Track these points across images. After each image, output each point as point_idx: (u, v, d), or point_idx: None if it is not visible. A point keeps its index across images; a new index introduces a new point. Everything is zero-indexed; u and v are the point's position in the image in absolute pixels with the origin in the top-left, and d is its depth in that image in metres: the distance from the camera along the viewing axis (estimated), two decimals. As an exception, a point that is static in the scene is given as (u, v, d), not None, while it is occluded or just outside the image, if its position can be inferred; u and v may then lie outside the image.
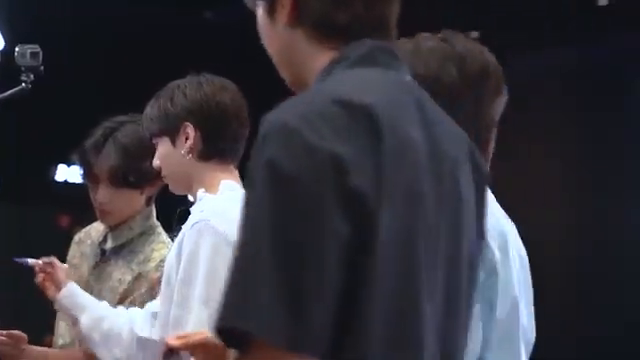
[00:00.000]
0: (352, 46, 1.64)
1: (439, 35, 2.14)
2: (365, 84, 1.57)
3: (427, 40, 2.13)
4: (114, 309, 2.96)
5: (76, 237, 3.45)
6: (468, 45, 2.11)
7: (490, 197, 1.99)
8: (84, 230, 3.44)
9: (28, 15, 7.21)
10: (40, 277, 3.00)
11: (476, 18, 7.99)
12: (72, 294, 2.95)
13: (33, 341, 3.18)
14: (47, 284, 2.99)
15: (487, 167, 2.06)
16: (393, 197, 1.46)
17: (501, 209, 2.14)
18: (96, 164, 3.19)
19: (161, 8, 7.81)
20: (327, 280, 1.41)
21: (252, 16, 1.76)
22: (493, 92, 2.11)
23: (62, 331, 3.31)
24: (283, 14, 1.70)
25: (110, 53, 7.83)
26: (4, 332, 3.11)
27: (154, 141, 2.81)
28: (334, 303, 1.41)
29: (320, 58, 1.66)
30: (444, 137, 1.59)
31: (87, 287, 3.16)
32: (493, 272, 2.01)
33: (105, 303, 2.98)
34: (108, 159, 3.16)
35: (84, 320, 2.91)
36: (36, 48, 2.96)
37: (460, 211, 1.58)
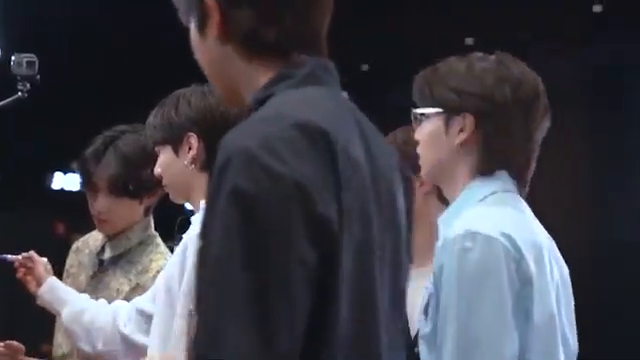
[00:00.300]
0: (294, 64, 1.65)
1: (492, 57, 2.19)
2: (316, 106, 1.58)
3: (481, 60, 2.18)
4: (95, 302, 2.95)
5: (74, 246, 3.44)
6: (522, 69, 2.18)
7: (529, 213, 2.13)
8: (82, 239, 3.42)
9: (25, 24, 7.21)
10: (21, 272, 2.99)
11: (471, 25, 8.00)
12: (53, 288, 2.94)
13: (29, 350, 3.17)
14: (28, 279, 2.99)
15: (527, 187, 2.17)
16: (351, 220, 1.50)
17: (541, 225, 2.19)
18: (96, 173, 3.17)
19: (162, 12, 7.80)
20: (296, 307, 1.44)
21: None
22: (541, 116, 2.18)
23: (60, 341, 3.30)
24: (213, 29, 1.71)
25: (109, 61, 7.83)
26: (1, 343, 3.11)
27: (156, 149, 2.79)
28: (303, 326, 1.45)
29: (254, 75, 1.67)
30: (380, 154, 1.62)
31: None
32: (528, 283, 2.06)
33: (86, 296, 2.96)
34: (108, 168, 3.15)
35: (65, 313, 2.90)
36: (32, 57, 2.95)
37: (398, 227, 1.64)
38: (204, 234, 1.47)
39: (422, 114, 2.20)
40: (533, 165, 2.20)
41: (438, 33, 8.06)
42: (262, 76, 1.66)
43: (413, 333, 2.71)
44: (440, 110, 2.18)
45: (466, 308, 2.02)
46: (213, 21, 1.71)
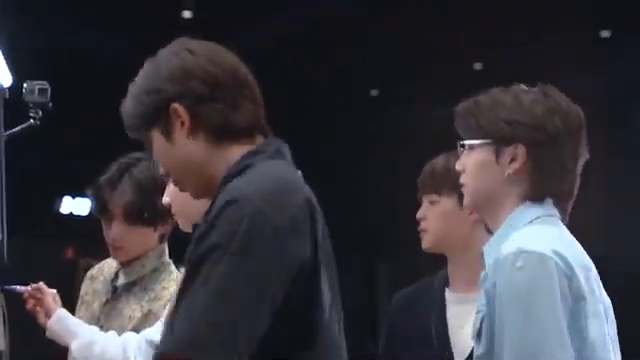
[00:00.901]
0: (263, 143, 1.99)
1: (536, 89, 2.25)
2: (291, 175, 1.96)
3: (526, 92, 2.24)
4: (105, 334, 2.93)
5: (89, 273, 3.42)
6: (566, 100, 2.24)
7: (571, 237, 2.18)
8: (97, 266, 3.41)
9: (35, 50, 7.24)
10: (30, 303, 2.98)
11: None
12: (62, 319, 2.92)
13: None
14: (37, 310, 2.98)
15: (569, 212, 2.23)
16: (324, 263, 1.91)
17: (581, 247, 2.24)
18: (111, 200, 3.16)
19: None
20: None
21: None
22: (584, 145, 2.24)
23: None
24: (182, 130, 1.98)
25: (120, 87, 7.86)
26: (33, 285, 3.07)
27: (165, 179, 2.80)
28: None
29: (223, 155, 1.98)
30: (320, 217, 1.95)
31: (97, 324, 3.13)
32: (581, 299, 2.09)
33: (95, 328, 2.94)
34: (123, 195, 3.13)
35: (75, 346, 2.87)
36: (44, 85, 2.94)
37: (334, 267, 1.98)
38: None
39: (471, 146, 2.23)
40: (575, 194, 2.25)
41: (434, 33, 8.07)
42: (230, 155, 1.98)
43: (464, 353, 2.73)
44: (490, 141, 2.21)
45: (521, 326, 2.05)
46: (182, 124, 1.98)
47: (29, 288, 2.95)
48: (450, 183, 2.80)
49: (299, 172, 2.01)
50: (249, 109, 2.00)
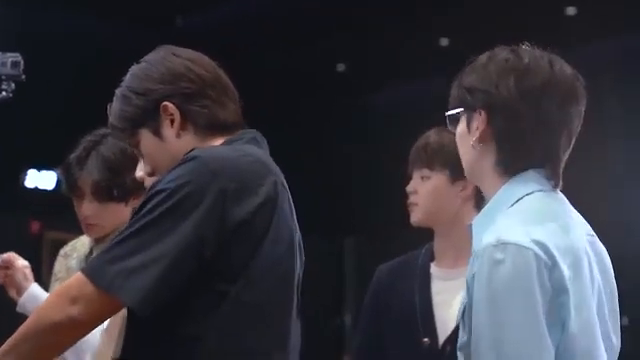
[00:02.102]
0: (241, 132, 2.18)
1: (514, 48, 2.11)
2: (262, 156, 2.16)
3: (499, 54, 2.11)
4: None
5: (62, 251, 3.41)
6: (535, 55, 2.09)
7: (568, 210, 2.10)
8: (70, 244, 3.40)
9: (6, 22, 7.16)
10: (0, 278, 2.95)
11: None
12: (34, 298, 2.91)
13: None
14: (7, 284, 2.95)
15: (560, 177, 2.09)
16: (275, 234, 2.08)
17: (581, 222, 2.14)
18: (80, 178, 3.16)
19: (131, 18, 7.80)
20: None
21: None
22: (561, 107, 2.07)
23: None
24: (172, 128, 2.15)
25: (88, 60, 7.80)
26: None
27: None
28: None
29: (208, 145, 2.16)
30: (285, 198, 2.15)
31: None
32: (563, 291, 2.01)
33: None
34: (91, 174, 3.13)
35: None
36: (17, 57, 2.91)
37: (293, 244, 2.16)
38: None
39: (451, 116, 2.15)
40: (563, 156, 2.11)
41: (417, 33, 8.07)
42: (222, 141, 2.16)
43: (448, 330, 2.72)
44: (461, 109, 2.12)
45: (498, 323, 1.99)
46: (172, 121, 2.14)
47: None
48: (442, 158, 2.79)
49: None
50: (233, 108, 2.19)
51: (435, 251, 2.87)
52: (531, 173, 2.08)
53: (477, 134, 2.08)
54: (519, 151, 2.07)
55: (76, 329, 2.04)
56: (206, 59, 2.22)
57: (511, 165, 2.08)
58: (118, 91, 2.22)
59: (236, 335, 2.02)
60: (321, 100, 9.22)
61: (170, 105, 2.15)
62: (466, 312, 2.08)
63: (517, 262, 1.99)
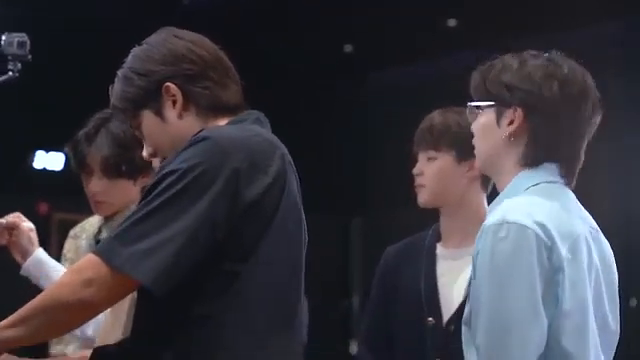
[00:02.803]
0: (245, 113, 2.20)
1: (545, 55, 2.33)
2: (268, 135, 2.18)
3: (533, 58, 2.32)
4: None
5: (72, 232, 3.42)
6: (572, 66, 2.32)
7: (574, 203, 2.28)
8: (79, 225, 3.41)
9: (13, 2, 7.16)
10: (4, 238, 2.92)
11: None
12: (40, 262, 2.90)
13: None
14: (12, 247, 2.93)
15: (574, 179, 2.30)
16: (285, 212, 2.10)
17: (585, 215, 2.31)
18: (89, 155, 3.17)
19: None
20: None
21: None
22: (590, 112, 2.30)
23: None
24: (174, 109, 2.17)
25: (91, 39, 7.79)
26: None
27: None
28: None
29: (208, 125, 2.17)
30: (291, 173, 2.18)
31: None
32: (560, 270, 2.17)
33: None
34: (101, 150, 3.14)
35: None
36: (23, 37, 2.92)
37: (301, 220, 2.19)
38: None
39: (477, 107, 2.31)
40: (581, 158, 2.31)
41: (420, 15, 8.05)
42: (226, 122, 2.18)
43: (452, 309, 2.75)
44: (492, 103, 2.29)
45: (497, 294, 2.14)
46: (174, 102, 2.16)
47: (3, 221, 2.89)
48: (448, 139, 2.82)
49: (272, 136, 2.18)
50: (235, 89, 2.21)
51: (442, 231, 2.90)
52: (545, 165, 2.27)
53: (511, 129, 2.26)
54: (548, 149, 2.27)
55: (89, 310, 2.06)
56: (207, 41, 2.23)
57: (533, 159, 2.27)
58: (120, 72, 2.23)
59: (247, 314, 2.04)
60: (328, 80, 9.21)
61: (172, 86, 2.16)
62: (471, 287, 2.23)
63: (518, 240, 2.15)
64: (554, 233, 2.18)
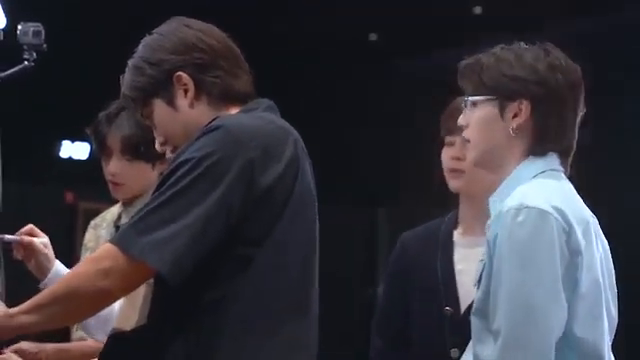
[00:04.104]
0: (254, 102, 2.22)
1: (536, 46, 2.33)
2: (281, 122, 2.19)
3: (528, 50, 2.31)
4: None
5: (92, 222, 3.44)
6: (565, 56, 2.33)
7: (573, 191, 2.30)
8: (100, 215, 3.43)
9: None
10: (20, 253, 2.80)
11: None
12: (59, 276, 2.86)
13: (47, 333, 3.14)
14: (29, 263, 2.85)
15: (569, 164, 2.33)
16: (299, 197, 2.11)
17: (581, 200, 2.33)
18: (109, 134, 3.19)
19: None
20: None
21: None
22: (582, 101, 2.33)
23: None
24: (186, 98, 2.18)
25: (117, 29, 7.81)
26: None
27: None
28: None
29: (222, 115, 2.18)
30: (305, 158, 2.19)
31: None
32: (578, 253, 2.19)
33: None
34: (121, 129, 3.16)
35: None
36: (39, 26, 2.92)
37: (314, 205, 2.20)
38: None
39: (473, 101, 2.31)
40: (574, 147, 2.33)
41: (446, 3, 8.02)
42: (238, 110, 2.20)
43: (470, 298, 2.74)
44: (493, 97, 2.28)
45: (519, 279, 2.14)
46: (186, 91, 2.17)
47: (18, 239, 2.78)
48: None
49: (286, 124, 2.21)
50: (245, 78, 2.22)
51: (460, 218, 2.88)
52: (549, 155, 2.29)
53: (518, 122, 2.26)
54: (556, 140, 2.28)
55: (106, 299, 2.08)
56: (217, 30, 2.24)
57: (540, 149, 2.28)
58: (130, 62, 2.26)
59: (261, 300, 2.05)
60: (354, 69, 9.20)
61: (184, 75, 2.18)
62: (485, 271, 2.23)
63: (538, 225, 2.16)
64: (571, 218, 2.19)
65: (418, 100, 8.09)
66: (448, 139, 2.86)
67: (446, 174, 2.87)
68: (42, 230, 2.87)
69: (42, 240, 2.76)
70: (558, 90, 2.27)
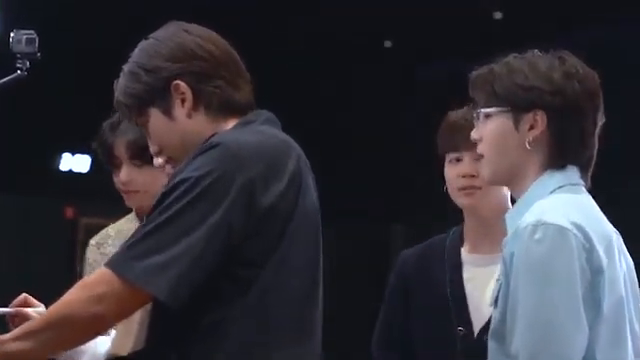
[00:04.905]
0: (254, 114, 2.17)
1: (549, 54, 2.28)
2: (282, 135, 2.16)
3: (541, 58, 2.27)
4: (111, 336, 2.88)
5: (93, 240, 3.40)
6: (581, 64, 2.28)
7: (596, 206, 2.25)
8: (101, 233, 3.41)
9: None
10: (16, 323, 2.68)
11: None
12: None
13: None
14: None
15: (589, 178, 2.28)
16: (302, 214, 2.08)
17: (603, 216, 2.29)
18: (115, 143, 3.17)
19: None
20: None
21: None
22: (601, 109, 2.28)
23: None
24: (183, 108, 2.14)
25: (118, 39, 7.82)
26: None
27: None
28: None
29: (222, 128, 2.15)
30: (308, 172, 2.16)
31: None
32: (599, 272, 2.14)
33: (101, 338, 2.87)
34: (125, 134, 3.14)
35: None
36: (32, 34, 2.90)
37: (317, 222, 2.16)
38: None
39: (486, 114, 2.26)
40: (595, 158, 2.28)
41: (464, 8, 8.02)
42: (226, 128, 2.15)
43: (483, 319, 2.72)
44: (508, 108, 2.23)
45: (537, 299, 2.10)
46: (183, 100, 2.13)
47: (10, 310, 2.68)
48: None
49: (286, 137, 2.18)
50: (246, 89, 2.18)
51: (465, 235, 2.85)
52: (568, 168, 2.23)
53: (534, 134, 2.21)
54: (575, 151, 2.23)
55: (100, 325, 2.05)
56: (218, 37, 2.20)
57: (559, 162, 2.22)
58: (126, 67, 2.20)
59: (261, 321, 2.02)
60: (372, 80, 9.20)
61: (182, 84, 2.13)
62: (501, 291, 2.17)
63: (556, 242, 2.11)
64: (592, 235, 2.15)
65: (435, 114, 8.06)
66: (453, 155, 2.82)
67: (454, 192, 2.81)
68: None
69: (38, 310, 2.59)
70: (575, 99, 2.22)
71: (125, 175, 3.13)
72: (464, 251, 2.83)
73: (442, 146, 2.84)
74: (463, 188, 2.80)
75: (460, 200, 2.81)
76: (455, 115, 2.83)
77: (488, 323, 2.68)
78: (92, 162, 9.63)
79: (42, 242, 8.58)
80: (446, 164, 2.83)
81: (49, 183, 9.06)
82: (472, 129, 2.81)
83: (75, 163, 9.37)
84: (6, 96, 2.81)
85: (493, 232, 2.75)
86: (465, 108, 2.81)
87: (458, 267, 2.81)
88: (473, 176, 2.76)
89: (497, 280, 2.23)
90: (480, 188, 2.77)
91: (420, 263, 2.87)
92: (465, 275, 2.80)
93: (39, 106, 7.68)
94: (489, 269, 2.72)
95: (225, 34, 2.26)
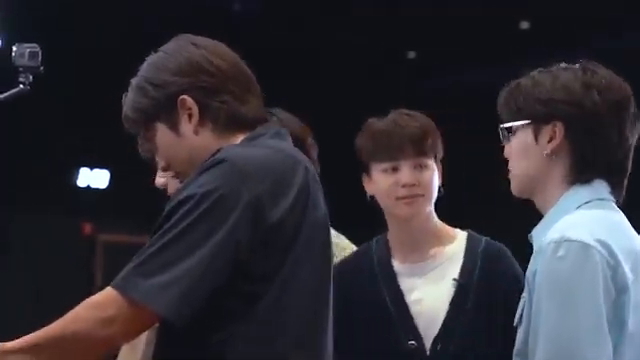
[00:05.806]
0: (262, 127, 2.18)
1: (576, 65, 2.29)
2: (290, 149, 2.17)
3: (565, 70, 2.28)
4: None
5: None
6: (609, 74, 2.28)
7: (626, 221, 2.24)
8: None
9: (31, 13, 7.24)
10: None
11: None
12: None
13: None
14: None
15: (624, 189, 2.27)
16: (310, 229, 2.09)
17: (635, 233, 2.26)
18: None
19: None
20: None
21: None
22: (633, 120, 2.27)
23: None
24: (190, 123, 2.14)
25: (134, 54, 7.86)
26: None
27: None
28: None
29: (228, 142, 2.15)
30: (316, 186, 2.16)
31: None
32: (625, 290, 2.13)
33: None
34: None
35: None
36: (35, 47, 2.90)
37: (326, 237, 2.18)
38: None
39: (509, 129, 2.28)
40: (628, 170, 2.28)
41: (487, 16, 8.03)
42: (231, 143, 2.15)
43: (432, 330, 2.72)
44: (527, 122, 2.26)
45: (559, 318, 2.09)
46: (190, 115, 2.13)
47: None
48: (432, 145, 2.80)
49: (295, 150, 2.19)
50: (255, 103, 2.18)
51: (392, 244, 2.83)
52: (596, 182, 2.22)
53: (552, 146, 2.22)
54: (595, 163, 2.22)
55: (108, 346, 2.07)
56: (227, 50, 2.20)
57: (582, 174, 2.22)
58: (134, 81, 2.21)
59: (268, 338, 2.04)
60: (392, 89, 9.22)
61: (188, 99, 2.14)
62: (525, 310, 2.16)
63: (580, 259, 2.10)
64: (617, 252, 2.13)
65: (463, 117, 8.07)
66: (389, 165, 2.79)
67: (390, 202, 2.78)
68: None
69: None
70: (595, 109, 2.22)
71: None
72: (396, 262, 2.81)
73: (370, 154, 2.79)
74: (404, 197, 2.78)
75: (398, 210, 2.77)
76: (381, 123, 2.81)
77: (441, 334, 2.69)
78: (111, 177, 9.82)
79: (60, 260, 8.62)
80: (376, 173, 2.80)
81: (66, 199, 9.11)
82: (406, 135, 2.82)
83: (93, 178, 9.42)
84: (18, 111, 2.83)
85: (423, 241, 2.76)
86: (391, 113, 2.82)
87: (393, 278, 2.80)
88: (414, 185, 2.76)
89: (522, 297, 2.23)
90: (423, 195, 2.76)
91: (352, 275, 2.84)
92: (403, 286, 2.78)
93: (57, 121, 7.73)
94: (428, 277, 2.73)
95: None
